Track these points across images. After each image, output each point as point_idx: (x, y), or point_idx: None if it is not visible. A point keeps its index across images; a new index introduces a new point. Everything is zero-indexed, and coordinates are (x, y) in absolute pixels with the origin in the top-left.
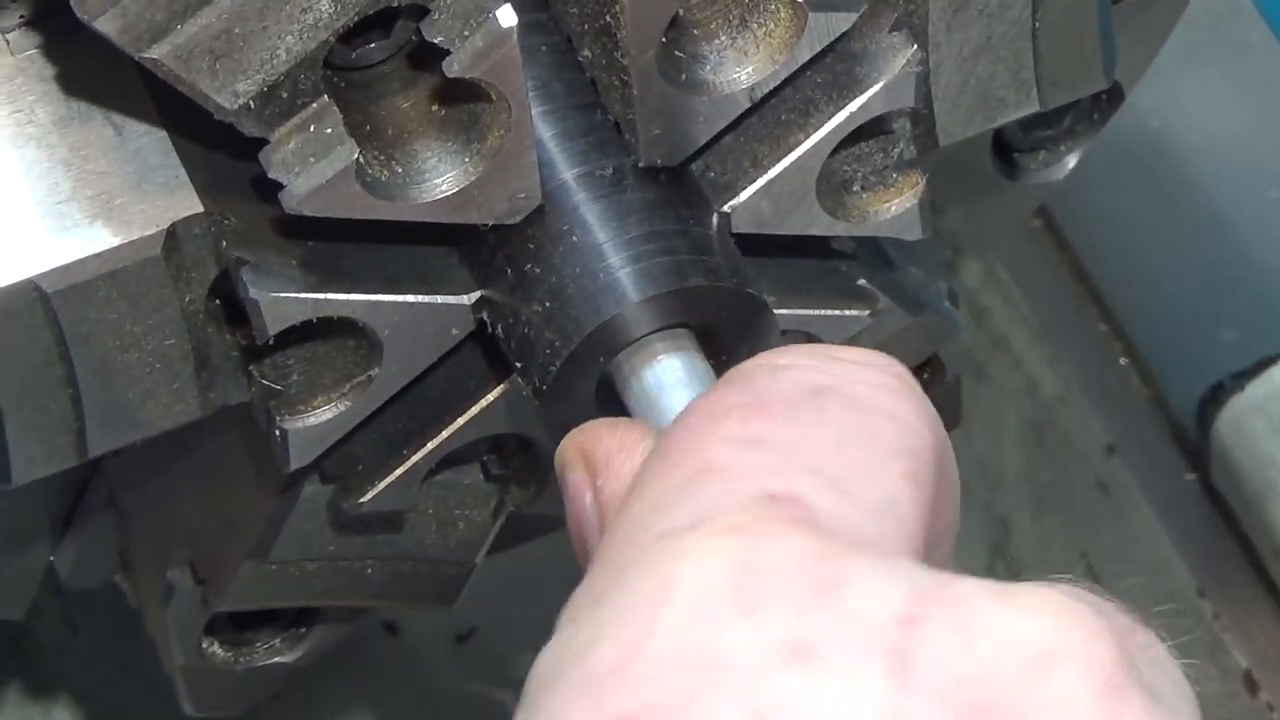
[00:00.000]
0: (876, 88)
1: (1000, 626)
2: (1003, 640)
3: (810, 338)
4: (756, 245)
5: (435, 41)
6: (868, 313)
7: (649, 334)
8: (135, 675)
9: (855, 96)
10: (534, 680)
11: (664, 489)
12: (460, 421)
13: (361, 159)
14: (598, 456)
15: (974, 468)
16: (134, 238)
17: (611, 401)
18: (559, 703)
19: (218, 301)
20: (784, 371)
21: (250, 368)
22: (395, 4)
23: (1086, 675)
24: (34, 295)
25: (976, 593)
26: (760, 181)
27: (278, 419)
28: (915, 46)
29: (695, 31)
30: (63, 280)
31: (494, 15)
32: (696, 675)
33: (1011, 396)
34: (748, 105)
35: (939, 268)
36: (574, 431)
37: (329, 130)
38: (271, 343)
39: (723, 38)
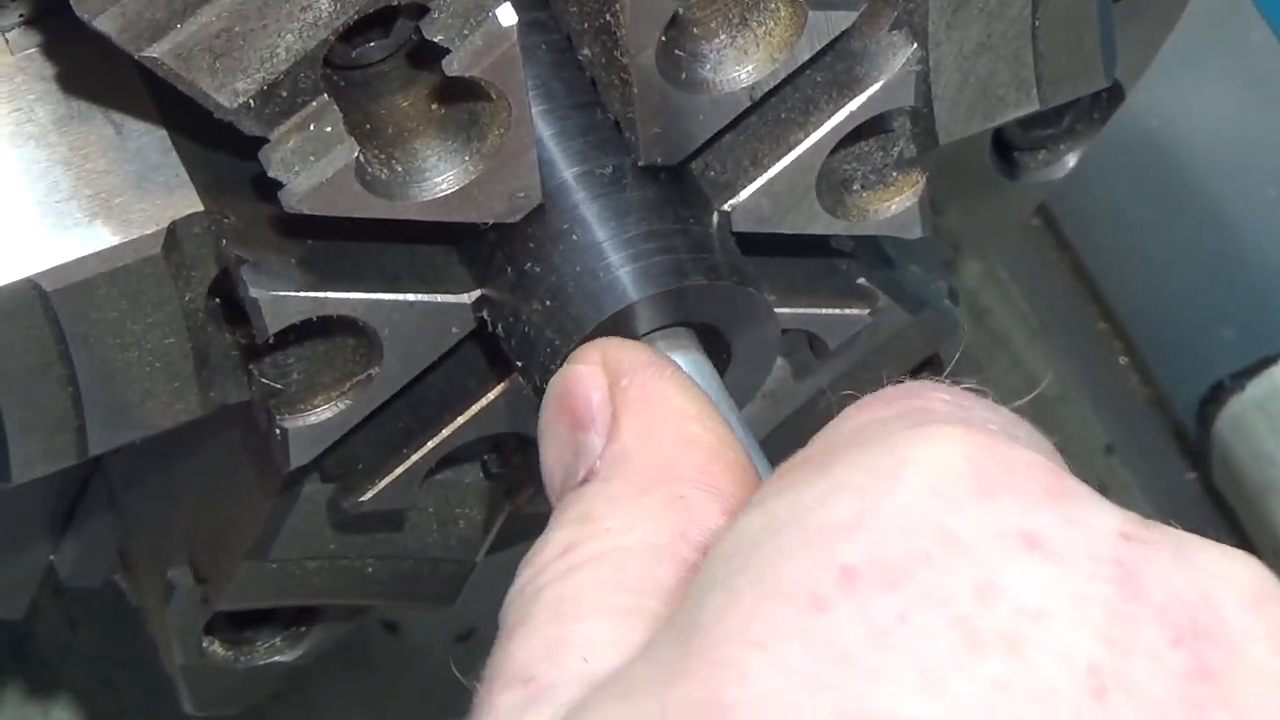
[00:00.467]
0: (876, 86)
1: (1216, 562)
2: (1220, 574)
3: (811, 336)
4: (756, 244)
5: (435, 40)
6: (867, 311)
7: (649, 332)
8: (135, 674)
9: (855, 95)
10: (745, 536)
11: (877, 416)
12: (460, 420)
13: (361, 158)
14: (625, 361)
15: None
16: (134, 236)
17: None
18: (785, 549)
19: (218, 300)
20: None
21: (250, 367)
22: (395, 3)
23: None
24: (34, 294)
25: (1183, 533)
26: (760, 180)
27: (278, 418)
28: (915, 45)
29: (695, 30)
30: (62, 279)
31: (494, 14)
32: (928, 543)
33: (1011, 396)
34: (748, 104)
35: (939, 266)
36: (591, 342)
37: (329, 129)
38: (271, 341)
39: (723, 36)
